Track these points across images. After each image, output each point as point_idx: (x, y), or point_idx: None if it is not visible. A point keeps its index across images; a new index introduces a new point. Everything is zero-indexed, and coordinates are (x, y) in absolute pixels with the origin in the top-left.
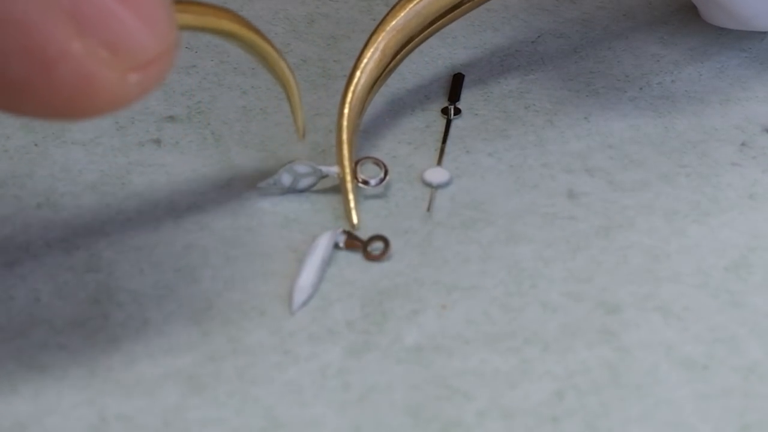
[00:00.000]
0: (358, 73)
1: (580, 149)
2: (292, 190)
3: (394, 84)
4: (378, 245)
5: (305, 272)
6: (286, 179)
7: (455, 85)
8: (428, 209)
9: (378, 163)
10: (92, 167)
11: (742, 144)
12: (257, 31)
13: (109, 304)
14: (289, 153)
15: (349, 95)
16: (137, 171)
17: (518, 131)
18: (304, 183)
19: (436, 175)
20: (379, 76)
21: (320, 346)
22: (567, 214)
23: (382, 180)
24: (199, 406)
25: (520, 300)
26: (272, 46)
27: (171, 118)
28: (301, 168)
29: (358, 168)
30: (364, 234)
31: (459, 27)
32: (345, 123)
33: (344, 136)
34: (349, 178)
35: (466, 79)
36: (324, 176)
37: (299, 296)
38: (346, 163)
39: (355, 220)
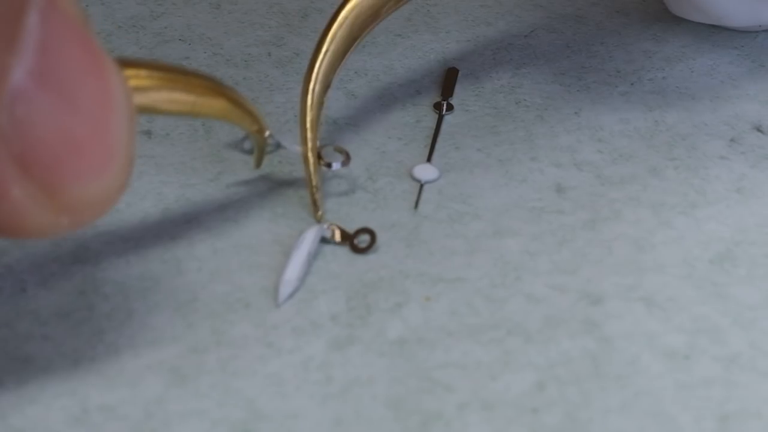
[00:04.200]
0: (324, 48)
1: (569, 143)
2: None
3: (386, 78)
4: (364, 238)
5: (291, 265)
6: (247, 145)
7: (449, 80)
8: (416, 207)
9: (340, 150)
10: None
11: (732, 140)
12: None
13: (94, 295)
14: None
15: (314, 76)
16: None
17: (508, 127)
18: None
19: (425, 171)
20: (344, 54)
21: (304, 339)
22: (554, 208)
23: (344, 163)
24: (181, 398)
25: (504, 292)
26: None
27: None
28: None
29: (321, 152)
30: (351, 227)
31: (452, 21)
32: (309, 102)
33: (308, 117)
34: (310, 156)
35: (458, 74)
36: (282, 148)
37: (285, 289)
38: (310, 144)
39: (319, 201)
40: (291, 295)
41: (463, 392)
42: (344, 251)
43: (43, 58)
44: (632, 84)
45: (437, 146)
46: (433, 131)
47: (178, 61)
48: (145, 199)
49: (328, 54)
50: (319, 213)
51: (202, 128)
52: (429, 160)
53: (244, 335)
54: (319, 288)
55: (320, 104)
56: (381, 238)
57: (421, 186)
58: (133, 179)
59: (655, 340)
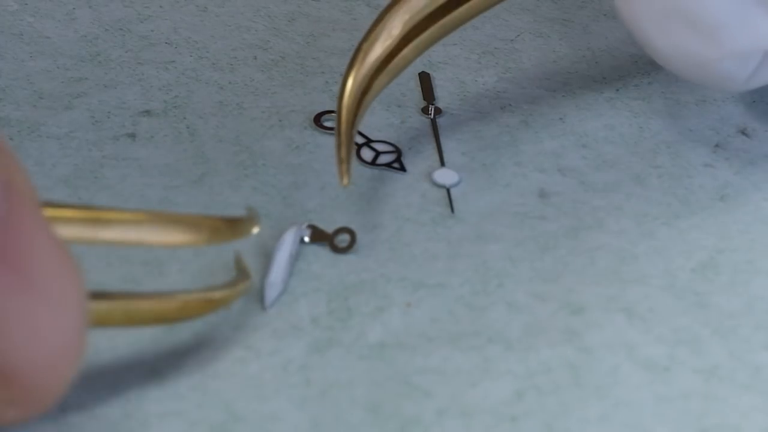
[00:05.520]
0: (365, 46)
1: (553, 149)
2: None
3: None
4: (344, 237)
5: (275, 268)
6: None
7: (424, 84)
8: (452, 210)
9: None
10: (66, 161)
11: (716, 145)
12: None
13: None
14: (263, 148)
15: (355, 67)
16: (110, 165)
17: (493, 131)
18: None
19: (446, 175)
20: (389, 59)
21: (284, 341)
22: (537, 214)
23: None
24: (160, 399)
25: (485, 299)
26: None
27: (147, 113)
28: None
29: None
30: (331, 227)
31: None
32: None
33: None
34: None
35: (444, 77)
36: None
37: (271, 293)
38: (343, 128)
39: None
40: (278, 298)
41: (441, 398)
42: (326, 253)
43: (3, 235)
44: (617, 90)
45: (421, 149)
46: (419, 133)
47: (163, 65)
48: (128, 201)
49: (372, 53)
50: (345, 179)
51: (186, 131)
52: (443, 164)
53: (225, 337)
54: (300, 290)
55: (361, 105)
56: (363, 240)
57: (448, 191)
58: (115, 182)
59: (635, 351)
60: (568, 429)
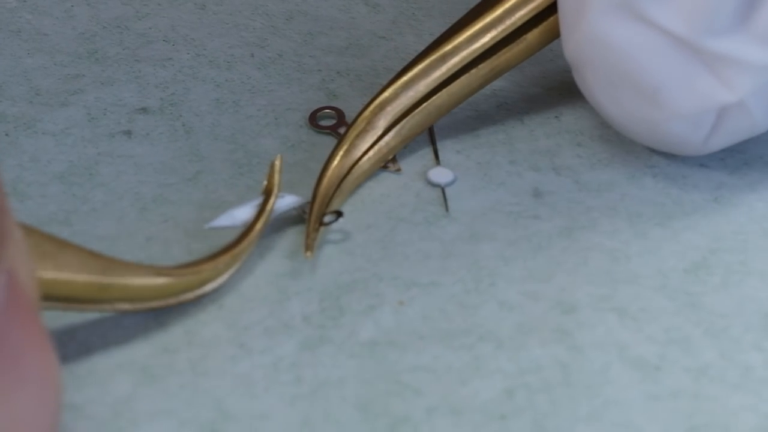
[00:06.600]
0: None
1: (548, 147)
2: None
3: (368, 79)
4: (332, 217)
5: (247, 209)
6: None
7: None
8: (447, 209)
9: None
10: (61, 158)
11: None
12: None
13: None
14: (258, 146)
15: (337, 158)
16: (105, 162)
17: (488, 130)
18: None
19: (441, 174)
20: (369, 149)
21: (275, 339)
22: (531, 213)
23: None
24: (150, 397)
25: (477, 298)
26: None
27: (143, 110)
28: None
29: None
30: (328, 228)
31: (436, 24)
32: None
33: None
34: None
35: None
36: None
37: (223, 220)
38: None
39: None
40: (222, 228)
41: (432, 396)
42: (320, 250)
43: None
44: None
45: (415, 147)
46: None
47: (160, 63)
48: (122, 198)
49: (356, 144)
50: (308, 253)
51: (182, 128)
52: (438, 162)
53: (216, 335)
54: (292, 289)
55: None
56: (356, 239)
57: (443, 189)
58: (110, 179)
59: (626, 351)
60: (557, 427)
